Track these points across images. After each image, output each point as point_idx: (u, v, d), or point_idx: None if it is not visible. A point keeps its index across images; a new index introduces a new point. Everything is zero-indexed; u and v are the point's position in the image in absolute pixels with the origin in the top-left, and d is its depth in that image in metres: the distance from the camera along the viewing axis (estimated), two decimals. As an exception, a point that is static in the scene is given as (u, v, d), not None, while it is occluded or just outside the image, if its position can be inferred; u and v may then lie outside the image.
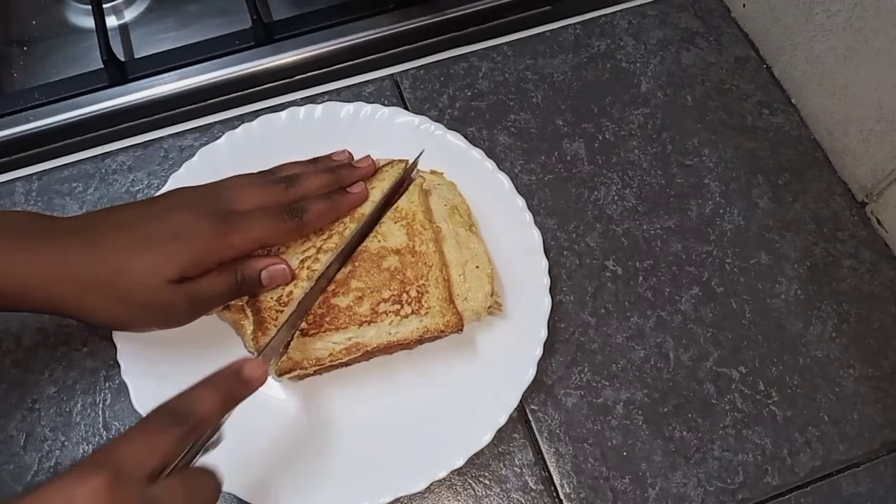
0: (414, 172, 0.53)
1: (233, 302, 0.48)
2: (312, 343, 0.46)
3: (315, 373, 0.47)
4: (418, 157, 0.53)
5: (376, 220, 0.50)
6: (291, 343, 0.46)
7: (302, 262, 0.48)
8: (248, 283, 0.46)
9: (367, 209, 0.50)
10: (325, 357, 0.46)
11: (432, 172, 0.54)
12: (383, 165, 0.53)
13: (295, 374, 0.46)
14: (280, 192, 0.48)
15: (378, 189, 0.51)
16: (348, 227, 0.49)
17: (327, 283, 0.48)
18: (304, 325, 0.47)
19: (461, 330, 0.47)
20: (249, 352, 0.48)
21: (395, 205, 0.51)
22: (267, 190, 0.47)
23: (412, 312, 0.47)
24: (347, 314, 0.47)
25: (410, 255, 0.49)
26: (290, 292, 0.47)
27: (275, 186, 0.48)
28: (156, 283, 0.42)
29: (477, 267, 0.49)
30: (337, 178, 0.50)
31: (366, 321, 0.47)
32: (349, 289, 0.47)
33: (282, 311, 0.47)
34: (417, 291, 0.48)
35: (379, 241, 0.49)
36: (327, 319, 0.47)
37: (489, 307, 0.48)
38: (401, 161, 0.53)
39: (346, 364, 0.47)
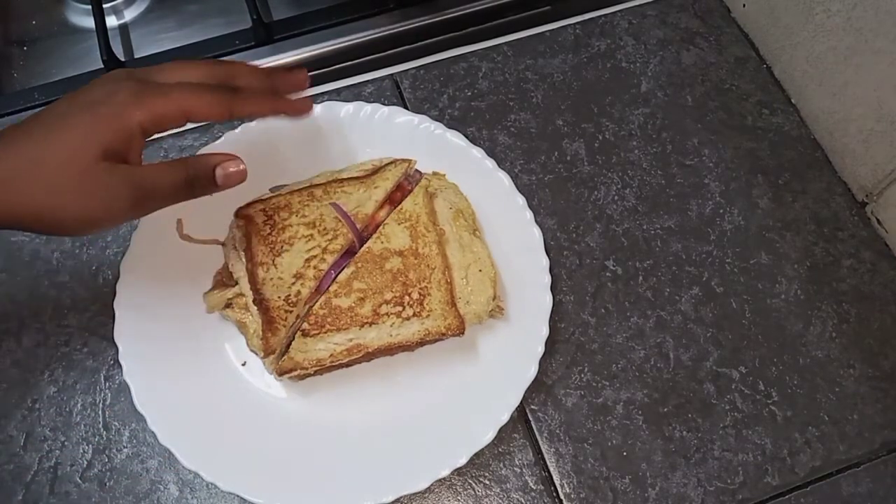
0: (419, 176, 0.53)
1: (236, 301, 0.48)
2: (313, 343, 0.46)
3: (316, 373, 0.47)
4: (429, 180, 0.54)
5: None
6: (292, 343, 0.46)
7: (308, 261, 0.48)
8: (202, 180, 0.43)
9: (369, 209, 0.50)
10: (326, 358, 0.46)
11: (434, 174, 0.54)
12: (386, 165, 0.53)
13: (296, 374, 0.46)
14: (210, 67, 0.44)
15: (381, 188, 0.51)
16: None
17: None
18: (305, 325, 0.47)
19: (462, 333, 0.47)
20: (253, 351, 0.48)
21: (400, 206, 0.51)
22: (197, 65, 0.44)
23: (414, 315, 0.47)
24: (349, 315, 0.47)
25: (413, 257, 0.49)
26: (298, 292, 0.47)
27: (206, 64, 0.45)
28: (83, 162, 0.39)
29: (480, 270, 0.49)
30: (271, 78, 0.46)
31: (367, 322, 0.47)
32: (351, 290, 0.47)
33: (290, 311, 0.47)
34: (419, 294, 0.48)
35: (382, 243, 0.49)
36: (329, 320, 0.47)
37: (491, 310, 0.49)
38: (404, 161, 0.53)
39: (347, 365, 0.48)
